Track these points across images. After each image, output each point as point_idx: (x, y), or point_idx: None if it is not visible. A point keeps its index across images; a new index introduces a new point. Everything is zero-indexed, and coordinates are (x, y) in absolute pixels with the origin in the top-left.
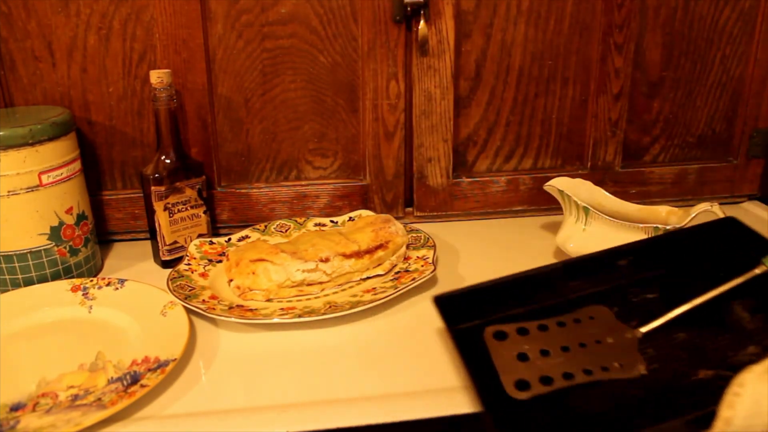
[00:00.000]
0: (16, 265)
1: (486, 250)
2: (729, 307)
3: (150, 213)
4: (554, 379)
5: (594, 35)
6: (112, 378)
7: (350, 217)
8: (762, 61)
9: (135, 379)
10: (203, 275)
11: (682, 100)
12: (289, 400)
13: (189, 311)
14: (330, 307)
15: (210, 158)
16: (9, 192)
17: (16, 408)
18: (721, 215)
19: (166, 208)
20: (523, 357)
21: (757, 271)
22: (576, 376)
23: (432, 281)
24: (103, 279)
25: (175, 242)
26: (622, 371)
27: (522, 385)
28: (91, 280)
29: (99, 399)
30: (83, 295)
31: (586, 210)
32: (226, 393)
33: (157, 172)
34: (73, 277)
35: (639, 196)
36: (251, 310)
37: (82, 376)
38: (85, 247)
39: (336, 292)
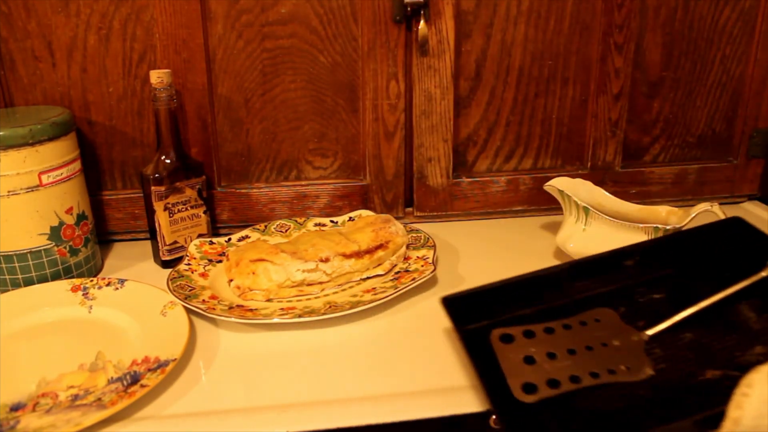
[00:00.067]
0: (16, 265)
1: (486, 250)
2: (735, 308)
3: (150, 213)
4: (561, 382)
5: (594, 35)
6: (112, 378)
7: (350, 217)
8: (762, 61)
9: (135, 379)
10: (203, 275)
11: (682, 100)
12: (289, 400)
13: (189, 311)
14: (330, 307)
15: (210, 158)
16: (9, 192)
17: (16, 408)
18: (722, 215)
19: (166, 208)
20: (529, 360)
21: (764, 273)
22: (583, 379)
23: (432, 281)
24: (103, 279)
25: (175, 242)
26: (629, 374)
27: (529, 388)
28: (91, 280)
29: (99, 399)
30: (83, 295)
31: (586, 210)
32: (226, 393)
33: (157, 172)
34: (73, 277)
35: (639, 196)
36: (251, 310)
37: (82, 376)
38: (85, 247)
39: (336, 292)
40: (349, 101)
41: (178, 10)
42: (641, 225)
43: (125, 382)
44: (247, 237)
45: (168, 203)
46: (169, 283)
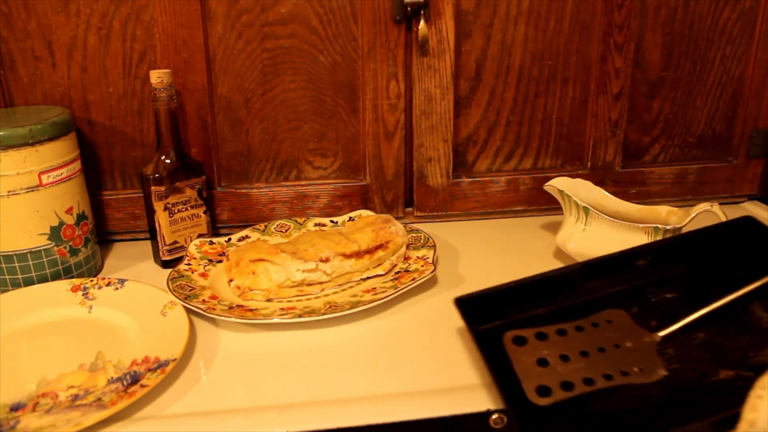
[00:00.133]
0: (16, 265)
1: (486, 250)
2: (748, 307)
3: (150, 213)
4: (575, 385)
5: (594, 35)
6: (112, 378)
7: (350, 217)
8: (762, 61)
9: (135, 379)
10: (203, 275)
11: (682, 100)
12: (289, 400)
13: (189, 311)
14: (330, 307)
15: (210, 158)
16: (9, 192)
17: (16, 408)
18: (722, 215)
19: (166, 208)
20: (543, 362)
21: None
22: (596, 382)
23: (432, 281)
24: (103, 279)
25: (175, 242)
26: (642, 376)
27: (543, 391)
28: (91, 280)
29: (99, 399)
30: (83, 295)
31: (586, 210)
32: (226, 393)
33: (157, 172)
34: (73, 277)
35: (639, 196)
36: (251, 310)
37: (82, 376)
38: (85, 247)
39: (336, 292)
40: (349, 101)
41: (178, 10)
42: (641, 225)
43: (125, 382)
44: (247, 237)
45: (168, 203)
46: (169, 283)
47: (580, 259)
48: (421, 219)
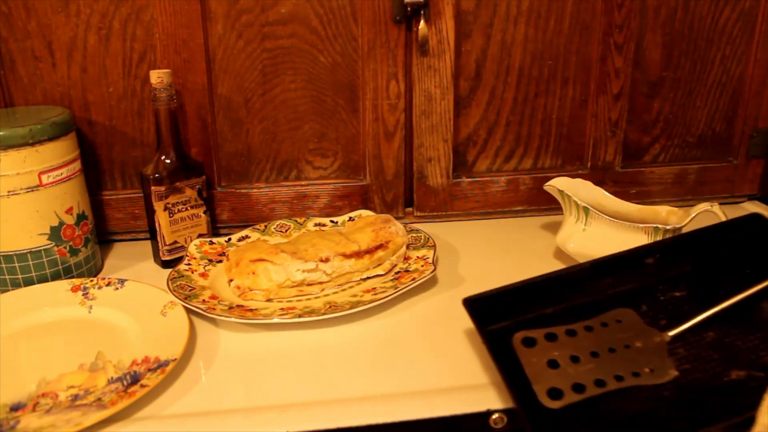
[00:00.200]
0: (16, 265)
1: (486, 250)
2: (757, 305)
3: (150, 213)
4: (586, 387)
5: (594, 35)
6: (112, 378)
7: (350, 217)
8: (762, 61)
9: (135, 379)
10: (203, 275)
11: (682, 100)
12: (289, 400)
13: (189, 311)
14: (330, 307)
15: (210, 158)
16: (9, 192)
17: (16, 408)
18: (722, 215)
19: (166, 208)
20: (553, 364)
21: None
22: (608, 383)
23: (432, 281)
24: (103, 279)
25: (175, 242)
26: (653, 377)
27: (555, 393)
28: (91, 280)
29: (99, 399)
30: (83, 295)
31: (586, 210)
32: (226, 393)
33: (157, 172)
34: (73, 277)
35: (639, 196)
36: (251, 310)
37: (82, 376)
38: (85, 247)
39: (336, 292)
40: (349, 101)
41: (178, 10)
42: (641, 225)
43: (125, 382)
44: (247, 237)
45: (168, 203)
46: (169, 283)
47: (580, 260)
48: (421, 219)
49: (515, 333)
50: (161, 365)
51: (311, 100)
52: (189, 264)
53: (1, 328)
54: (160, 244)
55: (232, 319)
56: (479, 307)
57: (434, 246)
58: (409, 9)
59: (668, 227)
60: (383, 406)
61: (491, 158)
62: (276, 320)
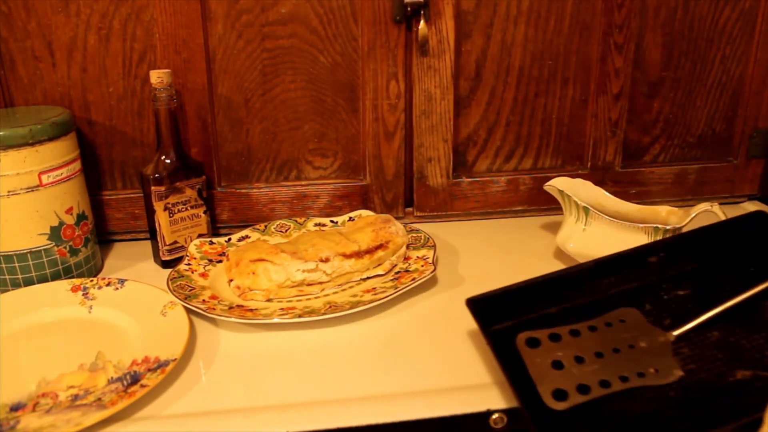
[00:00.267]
0: (16, 265)
1: (486, 250)
2: (762, 304)
3: (150, 213)
4: (591, 388)
5: (594, 35)
6: (112, 378)
7: (350, 217)
8: (762, 61)
9: (135, 379)
10: (203, 275)
11: (682, 100)
12: (289, 400)
13: (189, 311)
14: (330, 307)
15: (210, 158)
16: (9, 192)
17: (16, 408)
18: (722, 215)
19: (166, 208)
20: (558, 365)
21: None
22: (613, 384)
23: (432, 281)
24: (103, 279)
25: (175, 242)
26: (658, 377)
27: (559, 394)
28: (91, 280)
29: (99, 399)
30: (83, 295)
31: (586, 210)
32: (226, 393)
33: (157, 172)
34: (73, 277)
35: (639, 196)
36: (251, 310)
37: (82, 376)
38: (85, 247)
39: (336, 292)
40: (349, 101)
41: (178, 10)
42: (641, 225)
43: (125, 382)
44: (247, 237)
45: (168, 203)
46: (169, 283)
47: (580, 260)
48: (421, 219)
49: (519, 333)
50: (161, 365)
51: (311, 100)
52: (189, 264)
53: (1, 328)
54: (160, 244)
55: (232, 319)
56: (482, 307)
57: (434, 246)
58: (409, 9)
59: (668, 227)
60: (383, 406)
61: (491, 158)
62: (276, 320)
